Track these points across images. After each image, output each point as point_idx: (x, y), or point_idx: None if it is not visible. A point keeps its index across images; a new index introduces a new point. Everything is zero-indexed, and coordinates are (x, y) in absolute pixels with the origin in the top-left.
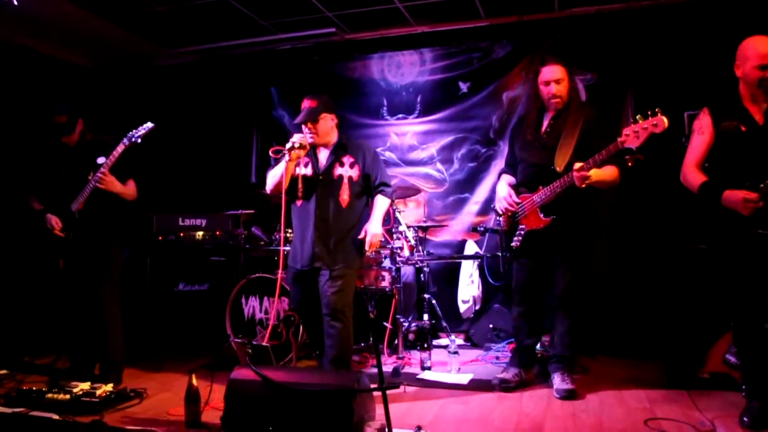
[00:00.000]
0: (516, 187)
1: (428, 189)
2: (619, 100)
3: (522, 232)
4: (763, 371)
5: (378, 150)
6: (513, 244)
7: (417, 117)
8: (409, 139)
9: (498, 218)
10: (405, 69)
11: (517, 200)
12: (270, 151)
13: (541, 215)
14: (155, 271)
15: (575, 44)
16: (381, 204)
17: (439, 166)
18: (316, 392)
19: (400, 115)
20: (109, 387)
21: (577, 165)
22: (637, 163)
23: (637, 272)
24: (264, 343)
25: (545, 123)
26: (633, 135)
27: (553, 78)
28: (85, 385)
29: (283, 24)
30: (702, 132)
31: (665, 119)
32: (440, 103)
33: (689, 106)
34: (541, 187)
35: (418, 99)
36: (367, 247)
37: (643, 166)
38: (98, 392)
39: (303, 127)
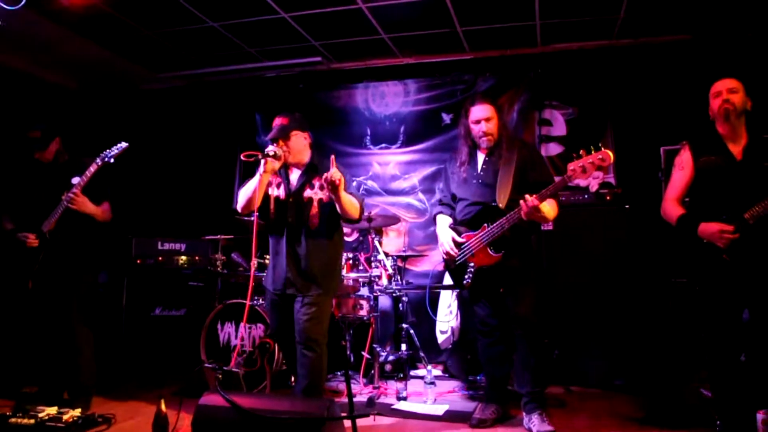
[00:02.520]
0: (455, 227)
1: (409, 219)
2: (599, 135)
3: (472, 270)
4: (736, 406)
5: (360, 179)
6: (465, 282)
7: (400, 147)
8: (392, 168)
9: (444, 259)
10: (389, 99)
11: (461, 240)
12: (242, 156)
13: (491, 251)
14: (132, 296)
15: (557, 79)
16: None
17: (420, 196)
18: (284, 419)
19: (383, 145)
20: (77, 412)
21: (529, 197)
22: (615, 197)
23: (615, 303)
24: (234, 369)
25: (480, 161)
26: (579, 170)
27: (483, 116)
28: (52, 410)
29: (269, 52)
30: (682, 167)
31: (611, 153)
32: (423, 133)
33: (666, 141)
34: (486, 225)
35: (402, 129)
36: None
37: (620, 200)
38: (65, 417)
39: (273, 144)
